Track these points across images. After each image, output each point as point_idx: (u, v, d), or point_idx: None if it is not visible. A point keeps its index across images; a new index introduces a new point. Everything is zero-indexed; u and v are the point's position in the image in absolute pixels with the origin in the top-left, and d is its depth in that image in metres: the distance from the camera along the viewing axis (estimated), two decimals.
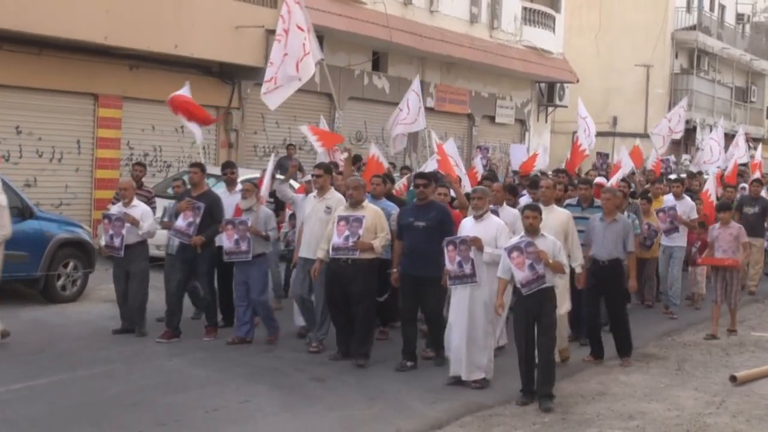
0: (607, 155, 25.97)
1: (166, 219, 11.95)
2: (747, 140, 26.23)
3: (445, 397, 9.56)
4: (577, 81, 33.68)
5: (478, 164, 18.46)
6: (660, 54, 40.19)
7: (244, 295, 11.64)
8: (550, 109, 34.74)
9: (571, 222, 10.92)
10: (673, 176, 19.44)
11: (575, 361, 11.29)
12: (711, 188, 16.97)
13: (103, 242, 12.31)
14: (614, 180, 15.29)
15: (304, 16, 12.63)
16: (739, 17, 48.07)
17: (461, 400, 9.51)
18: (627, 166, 19.26)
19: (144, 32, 17.70)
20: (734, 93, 45.99)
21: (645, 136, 35.61)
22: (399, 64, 26.62)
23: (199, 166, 12.09)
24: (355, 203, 10.74)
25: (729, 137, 27.27)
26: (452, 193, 12.23)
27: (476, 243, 9.86)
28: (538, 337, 9.34)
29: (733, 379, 10.44)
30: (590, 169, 20.10)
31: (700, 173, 21.31)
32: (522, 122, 33.34)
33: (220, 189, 12.84)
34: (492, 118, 31.55)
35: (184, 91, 13.05)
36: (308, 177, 12.72)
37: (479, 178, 15.47)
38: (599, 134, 24.72)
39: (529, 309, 9.36)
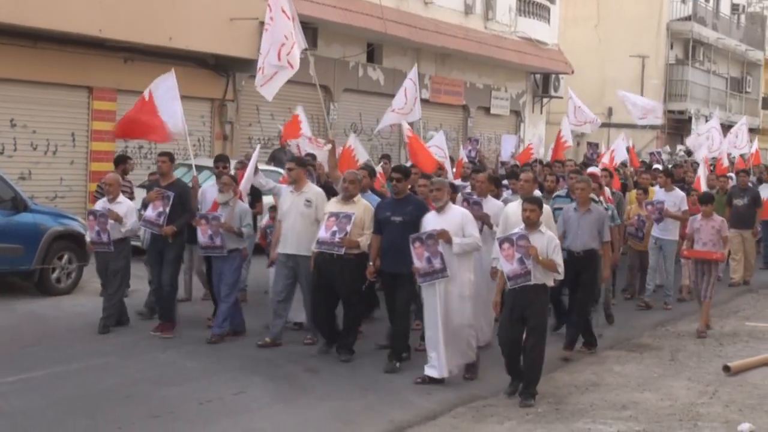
0: (597, 145, 25.89)
1: (143, 211, 11.73)
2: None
3: (439, 388, 9.57)
4: (572, 72, 33.68)
5: (465, 156, 18.48)
6: (655, 45, 40.20)
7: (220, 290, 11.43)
8: (545, 100, 34.74)
9: (551, 217, 10.69)
10: (659, 167, 19.43)
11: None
12: (702, 177, 16.83)
13: (88, 238, 12.11)
14: (593, 168, 15.19)
15: (289, 3, 12.58)
16: (734, 7, 48.06)
17: (455, 391, 9.54)
18: (620, 153, 19.20)
19: (138, 25, 17.68)
20: (729, 83, 46.00)
21: (641, 127, 35.73)
22: (394, 55, 26.60)
23: (168, 155, 11.83)
24: (348, 197, 10.57)
25: (724, 128, 27.25)
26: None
27: (443, 236, 9.53)
28: (527, 339, 9.15)
29: (726, 369, 10.46)
30: (568, 159, 19.91)
31: (685, 162, 21.26)
32: (517, 113, 33.36)
33: (211, 183, 12.63)
34: (487, 110, 31.56)
35: (170, 79, 12.80)
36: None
37: (465, 170, 15.53)
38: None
39: (516, 305, 9.12)
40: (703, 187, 16.23)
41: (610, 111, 39.18)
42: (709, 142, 22.66)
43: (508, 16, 30.70)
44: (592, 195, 11.62)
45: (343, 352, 10.61)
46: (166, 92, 12.57)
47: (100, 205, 11.86)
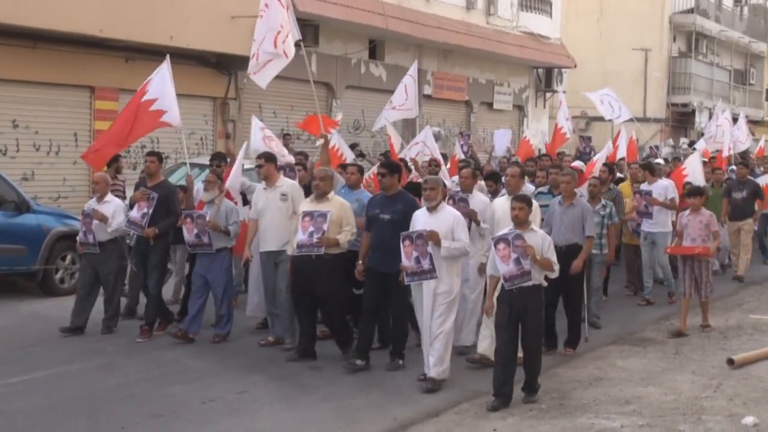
0: (590, 138, 25.74)
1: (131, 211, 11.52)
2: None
3: (441, 385, 9.54)
4: (575, 66, 33.63)
5: (459, 151, 18.40)
6: (658, 37, 40.09)
7: (200, 287, 11.18)
8: (548, 94, 34.68)
9: (539, 214, 10.41)
10: (660, 161, 19.35)
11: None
12: (697, 168, 16.54)
13: (77, 239, 11.85)
14: (577, 162, 15.05)
15: None
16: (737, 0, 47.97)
17: (458, 387, 9.52)
18: (623, 148, 19.14)
19: (139, 24, 17.65)
20: (733, 76, 45.86)
21: (645, 120, 35.72)
22: (396, 52, 26.55)
23: (156, 155, 11.72)
24: (321, 195, 10.30)
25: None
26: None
27: (433, 237, 9.28)
28: (524, 341, 9.00)
29: (730, 362, 10.40)
30: (560, 152, 19.77)
31: (677, 158, 21.14)
32: (520, 108, 33.29)
33: None
34: (490, 105, 31.50)
35: (164, 70, 12.69)
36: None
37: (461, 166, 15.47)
38: (595, 119, 24.74)
39: (513, 306, 8.88)
40: (692, 179, 15.57)
41: None
42: (719, 134, 22.42)
43: (510, 11, 30.65)
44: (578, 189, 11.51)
45: (345, 351, 10.53)
46: (160, 82, 12.43)
47: (89, 204, 11.75)
